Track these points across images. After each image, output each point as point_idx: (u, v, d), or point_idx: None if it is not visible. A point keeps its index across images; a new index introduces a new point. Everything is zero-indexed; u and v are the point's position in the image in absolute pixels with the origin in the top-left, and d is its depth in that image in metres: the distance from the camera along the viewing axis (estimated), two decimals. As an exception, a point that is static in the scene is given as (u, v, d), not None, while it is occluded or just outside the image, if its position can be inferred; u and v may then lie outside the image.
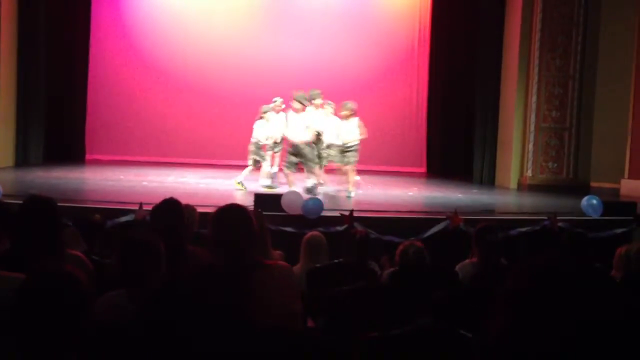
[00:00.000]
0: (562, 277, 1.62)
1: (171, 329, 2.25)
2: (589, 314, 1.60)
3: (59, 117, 12.49)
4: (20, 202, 3.22)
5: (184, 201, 3.86)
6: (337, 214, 7.09)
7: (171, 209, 3.58)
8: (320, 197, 7.88)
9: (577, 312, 1.58)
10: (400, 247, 4.41)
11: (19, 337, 1.96)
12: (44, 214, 3.09)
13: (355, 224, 6.83)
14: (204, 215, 5.94)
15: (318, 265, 4.59)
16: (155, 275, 2.89)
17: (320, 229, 6.08)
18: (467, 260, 4.78)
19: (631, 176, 10.60)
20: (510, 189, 11.08)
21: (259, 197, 7.19)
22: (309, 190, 8.65)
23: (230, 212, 2.89)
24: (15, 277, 2.51)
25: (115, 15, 13.19)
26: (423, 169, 13.32)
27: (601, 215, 7.68)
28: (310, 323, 3.64)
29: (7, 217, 3.31)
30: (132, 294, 2.82)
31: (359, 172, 12.72)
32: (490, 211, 8.37)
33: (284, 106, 9.74)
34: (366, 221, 7.05)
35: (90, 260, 3.52)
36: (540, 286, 1.62)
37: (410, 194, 10.05)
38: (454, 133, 12.98)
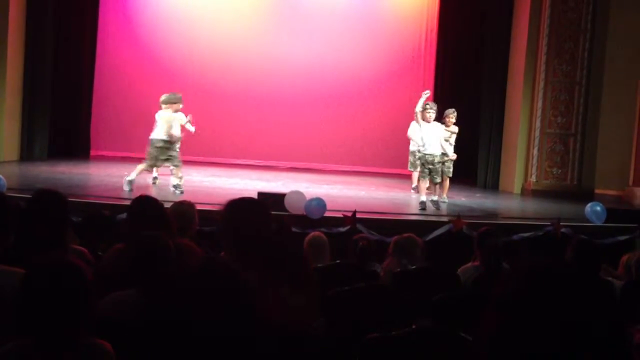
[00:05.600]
0: (554, 280, 1.61)
1: (176, 322, 2.25)
2: (579, 319, 1.59)
3: (65, 113, 12.50)
4: (24, 196, 3.23)
5: (187, 199, 3.86)
6: (339, 214, 7.10)
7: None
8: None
9: (567, 317, 1.57)
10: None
11: (24, 324, 1.98)
12: (53, 208, 3.09)
13: (359, 226, 6.83)
14: (207, 213, 5.96)
15: (320, 265, 4.59)
16: (165, 271, 2.88)
17: (323, 229, 6.09)
18: (469, 264, 4.80)
19: (635, 183, 10.56)
20: (514, 194, 11.06)
21: (262, 196, 7.17)
22: None
23: (244, 205, 2.70)
24: (17, 272, 2.52)
25: (122, 12, 13.21)
26: (427, 172, 13.29)
27: (604, 222, 7.66)
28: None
29: (12, 211, 3.31)
30: (145, 293, 2.78)
31: (361, 173, 12.72)
32: (494, 215, 8.36)
33: None
34: (368, 222, 7.05)
35: (95, 255, 3.54)
36: (531, 289, 1.61)
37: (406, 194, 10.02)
38: (459, 137, 12.95)
